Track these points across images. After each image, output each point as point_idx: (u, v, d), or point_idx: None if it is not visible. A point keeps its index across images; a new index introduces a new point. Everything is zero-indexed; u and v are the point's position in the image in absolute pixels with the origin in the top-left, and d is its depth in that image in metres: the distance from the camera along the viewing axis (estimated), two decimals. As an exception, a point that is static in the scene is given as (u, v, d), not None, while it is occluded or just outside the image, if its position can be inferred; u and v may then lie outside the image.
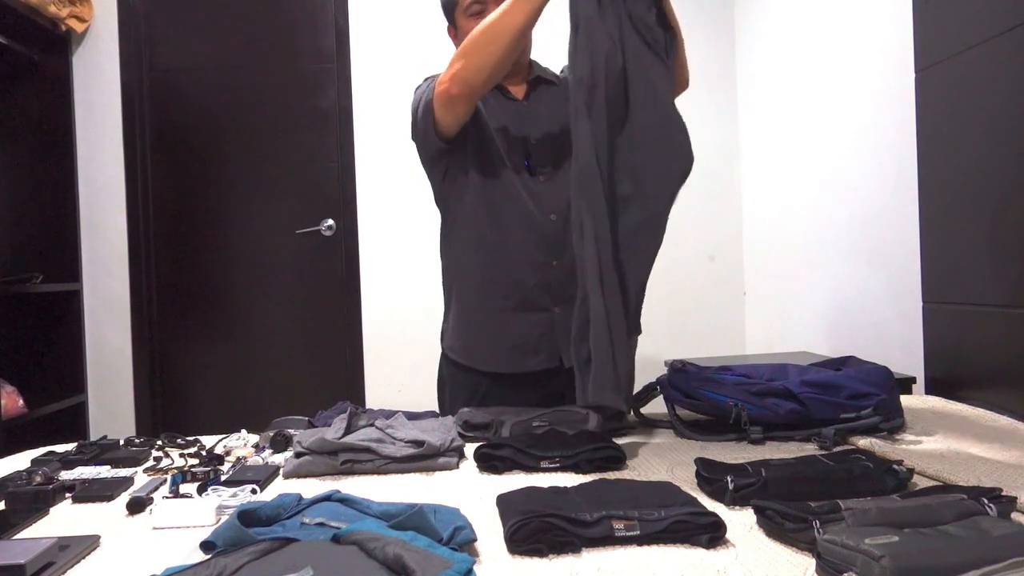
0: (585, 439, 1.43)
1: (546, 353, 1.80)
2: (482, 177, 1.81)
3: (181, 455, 1.55)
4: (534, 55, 1.93)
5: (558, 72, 1.96)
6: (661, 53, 1.59)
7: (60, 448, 1.67)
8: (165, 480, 1.37)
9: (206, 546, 0.98)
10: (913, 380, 2.08)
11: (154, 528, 1.15)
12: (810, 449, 1.44)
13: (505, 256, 1.81)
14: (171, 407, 3.55)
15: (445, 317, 1.94)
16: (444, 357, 1.93)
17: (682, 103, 3.59)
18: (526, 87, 1.89)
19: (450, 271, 1.92)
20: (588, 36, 1.50)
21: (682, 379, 1.64)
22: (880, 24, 2.31)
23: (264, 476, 1.35)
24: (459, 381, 1.86)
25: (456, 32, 1.85)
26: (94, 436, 2.75)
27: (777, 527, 1.00)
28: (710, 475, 1.20)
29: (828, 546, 0.86)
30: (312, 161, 3.52)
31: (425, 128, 1.76)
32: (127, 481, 1.39)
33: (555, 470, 1.36)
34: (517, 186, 1.79)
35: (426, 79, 1.84)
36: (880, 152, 2.33)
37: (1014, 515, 1.00)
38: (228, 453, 1.56)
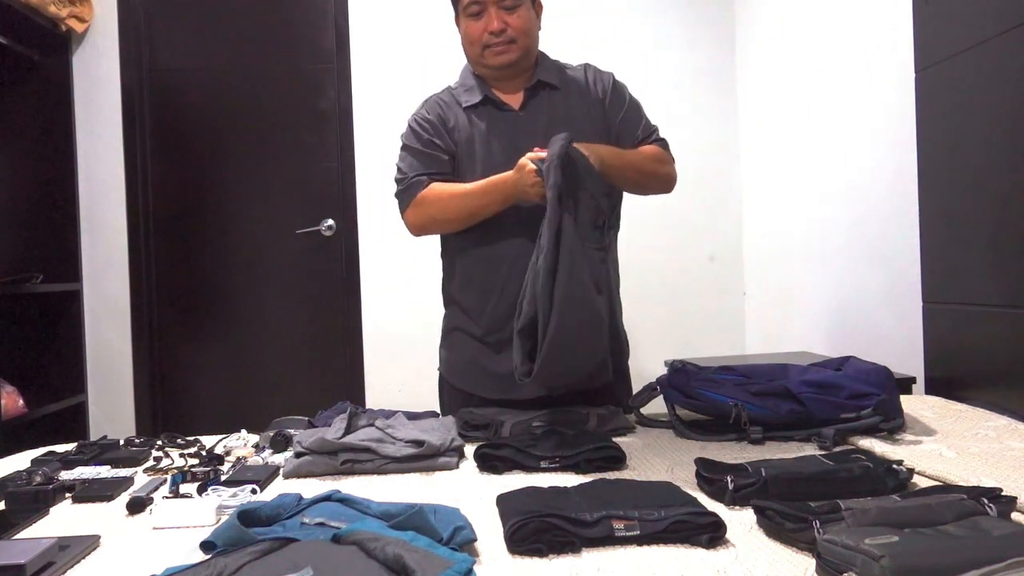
0: (585, 439, 1.43)
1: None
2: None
3: (181, 455, 1.55)
4: (543, 45, 1.86)
5: (574, 64, 1.88)
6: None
7: (60, 448, 1.67)
8: (165, 480, 1.37)
9: (206, 546, 0.98)
10: (913, 380, 2.08)
11: (154, 528, 1.15)
12: (810, 449, 1.44)
13: (494, 289, 1.76)
14: (171, 407, 3.54)
15: (442, 338, 1.93)
16: (441, 377, 1.93)
17: (683, 103, 3.58)
18: (523, 95, 1.80)
19: (445, 294, 1.91)
20: None
21: (682, 379, 1.64)
22: (880, 24, 2.31)
23: (264, 476, 1.35)
24: (456, 401, 1.85)
25: (459, 26, 1.80)
26: (94, 436, 2.75)
27: (777, 527, 1.00)
28: (710, 475, 1.20)
29: (828, 546, 0.86)
30: (312, 161, 3.52)
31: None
32: (127, 481, 1.39)
33: (555, 470, 1.36)
34: (508, 213, 1.71)
35: (408, 126, 1.84)
36: (880, 152, 2.33)
37: (1014, 515, 1.00)
38: (228, 453, 1.56)
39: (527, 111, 1.80)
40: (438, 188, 1.76)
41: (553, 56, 1.89)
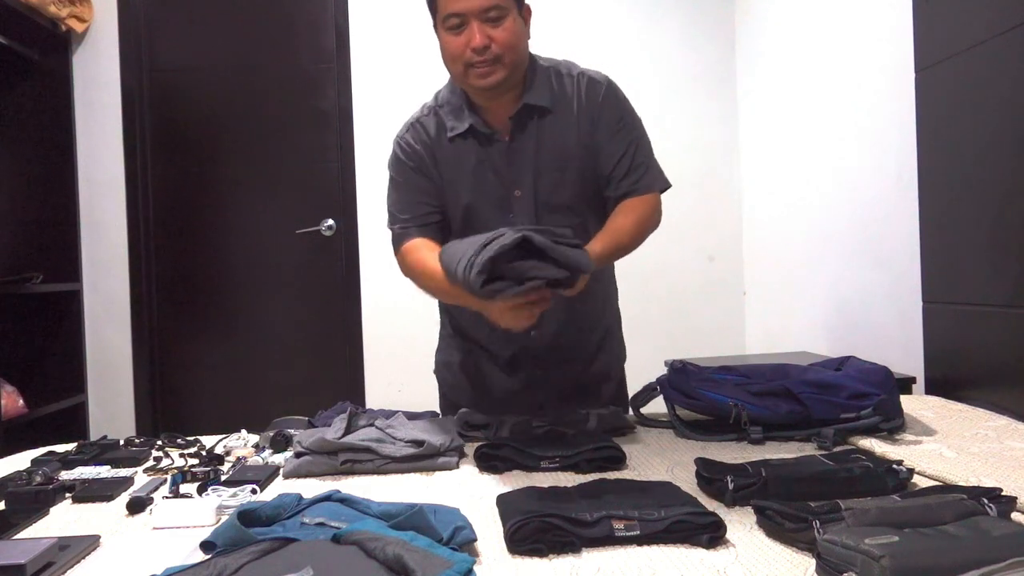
0: (585, 439, 1.43)
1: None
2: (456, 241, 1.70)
3: (181, 455, 1.55)
4: (537, 44, 1.71)
5: (567, 64, 1.70)
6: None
7: (60, 448, 1.67)
8: (165, 480, 1.37)
9: (206, 546, 0.98)
10: (913, 380, 2.08)
11: (154, 528, 1.15)
12: (810, 449, 1.43)
13: (481, 328, 1.70)
14: (171, 407, 3.54)
15: (439, 342, 1.90)
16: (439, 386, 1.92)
17: (683, 103, 3.58)
18: (511, 123, 1.63)
19: (440, 315, 1.88)
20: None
21: (682, 379, 1.64)
22: (880, 24, 2.31)
23: (264, 476, 1.35)
24: (452, 408, 1.85)
25: (438, 36, 1.62)
26: (94, 436, 2.75)
27: (777, 527, 1.00)
28: (710, 475, 1.20)
29: (828, 546, 0.86)
30: (312, 161, 3.52)
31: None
32: (127, 481, 1.39)
33: (555, 470, 1.36)
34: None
35: (393, 152, 1.73)
36: (880, 152, 2.33)
37: (1014, 515, 1.00)
38: (228, 453, 1.56)
39: (516, 140, 1.64)
40: (419, 256, 1.63)
41: (549, 55, 1.76)
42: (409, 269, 1.69)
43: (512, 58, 1.56)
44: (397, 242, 1.72)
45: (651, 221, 1.67)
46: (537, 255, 1.33)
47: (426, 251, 1.63)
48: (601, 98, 1.65)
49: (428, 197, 1.70)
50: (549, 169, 1.64)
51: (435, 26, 1.61)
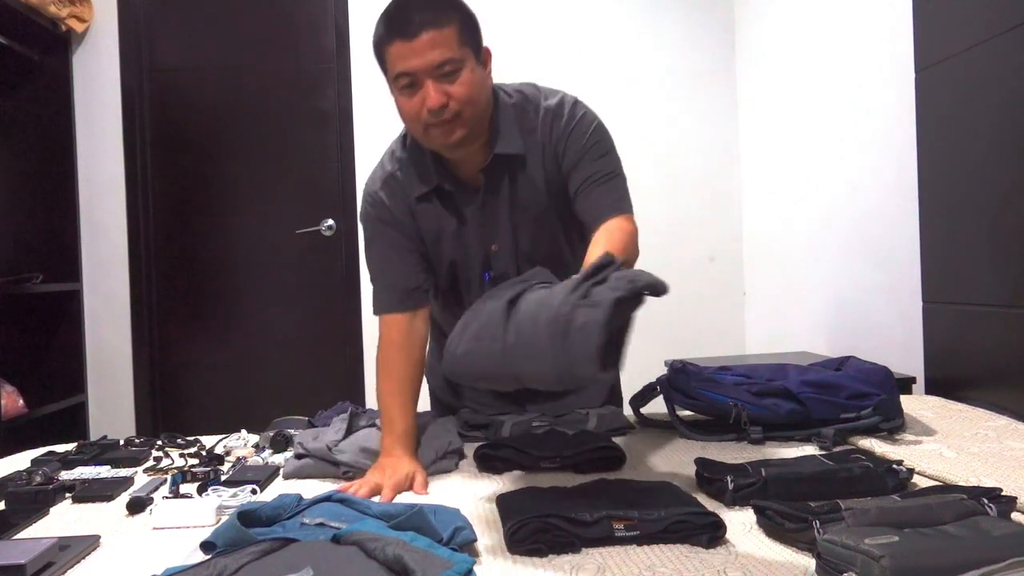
0: (585, 439, 1.43)
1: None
2: (438, 297, 1.66)
3: (181, 455, 1.55)
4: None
5: (533, 90, 1.56)
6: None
7: (60, 448, 1.67)
8: (165, 480, 1.37)
9: (206, 546, 0.98)
10: (913, 380, 2.08)
11: (154, 528, 1.15)
12: (810, 449, 1.44)
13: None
14: (171, 407, 3.54)
15: (429, 348, 1.76)
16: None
17: (682, 103, 3.58)
18: (483, 177, 1.52)
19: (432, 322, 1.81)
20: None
21: (682, 379, 1.64)
22: (880, 24, 2.31)
23: (264, 476, 1.35)
24: (441, 411, 1.84)
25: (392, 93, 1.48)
26: (94, 436, 2.75)
27: (777, 527, 1.00)
28: (710, 475, 1.20)
29: (828, 546, 0.86)
30: (312, 161, 3.52)
31: None
32: (127, 481, 1.39)
33: (555, 470, 1.36)
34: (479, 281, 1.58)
35: (363, 213, 1.60)
36: (880, 152, 2.33)
37: (1014, 515, 1.00)
38: (228, 453, 1.56)
39: (489, 193, 1.53)
40: (383, 350, 1.55)
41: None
42: (378, 353, 1.58)
43: (472, 112, 1.42)
44: (376, 308, 1.59)
45: (631, 246, 1.49)
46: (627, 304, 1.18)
47: (394, 353, 1.55)
48: (563, 125, 1.52)
49: (408, 255, 1.58)
50: (525, 220, 1.55)
51: (388, 83, 1.48)
